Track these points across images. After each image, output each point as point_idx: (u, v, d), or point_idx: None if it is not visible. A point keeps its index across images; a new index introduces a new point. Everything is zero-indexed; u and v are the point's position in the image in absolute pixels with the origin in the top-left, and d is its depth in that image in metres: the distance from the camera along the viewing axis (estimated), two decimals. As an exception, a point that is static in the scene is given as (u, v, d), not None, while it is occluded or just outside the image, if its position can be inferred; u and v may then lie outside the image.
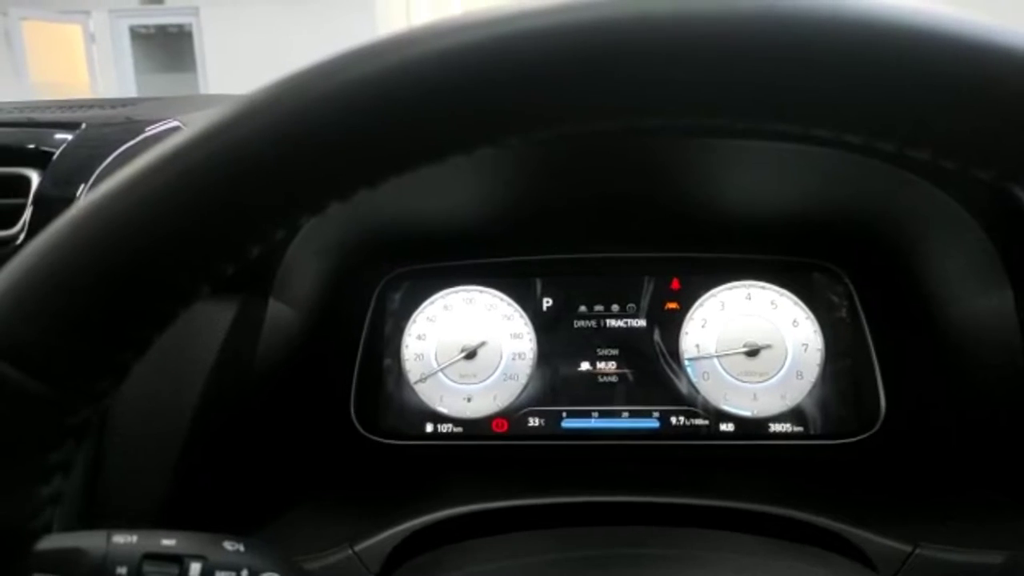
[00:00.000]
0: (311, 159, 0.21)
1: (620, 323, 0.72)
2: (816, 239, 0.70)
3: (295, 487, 0.64)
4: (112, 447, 0.52)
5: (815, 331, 0.70)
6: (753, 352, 0.70)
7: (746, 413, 0.70)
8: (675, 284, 0.72)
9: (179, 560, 0.27)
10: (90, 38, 6.79)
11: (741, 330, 0.70)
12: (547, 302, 0.73)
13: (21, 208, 0.55)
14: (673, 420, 0.70)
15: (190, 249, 0.22)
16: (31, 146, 0.59)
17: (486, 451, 0.70)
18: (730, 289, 0.71)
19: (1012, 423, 0.59)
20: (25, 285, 0.21)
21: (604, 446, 0.70)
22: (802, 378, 0.70)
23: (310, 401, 0.69)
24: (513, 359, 0.72)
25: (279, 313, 0.60)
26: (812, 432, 0.69)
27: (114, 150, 0.57)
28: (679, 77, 0.20)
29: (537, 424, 0.71)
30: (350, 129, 0.20)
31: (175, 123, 0.62)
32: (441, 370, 0.72)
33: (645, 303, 0.72)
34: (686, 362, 0.71)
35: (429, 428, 0.71)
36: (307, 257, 0.62)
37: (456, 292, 0.73)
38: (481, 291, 0.73)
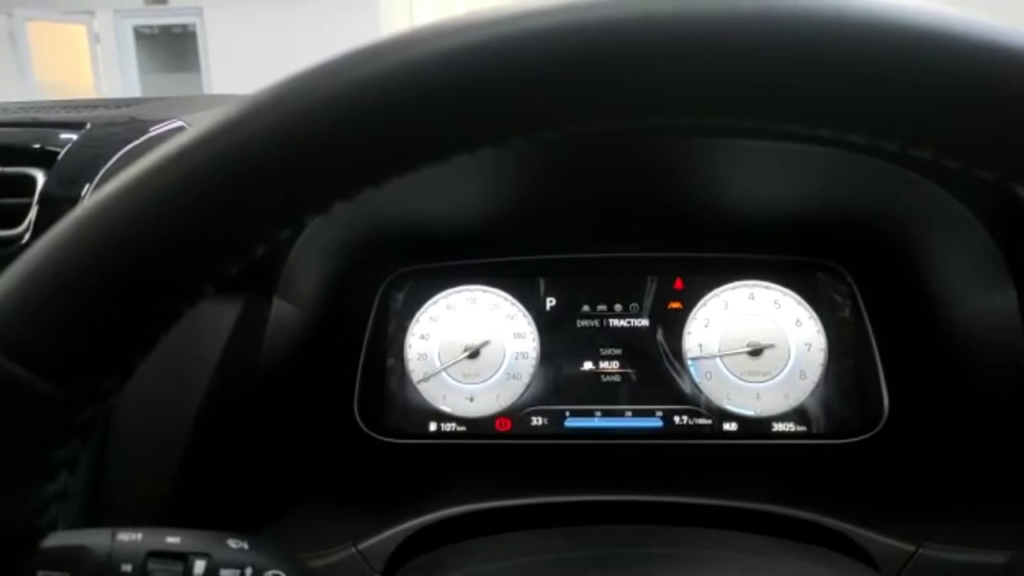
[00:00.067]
0: (315, 159, 0.21)
1: (623, 323, 0.72)
2: (819, 239, 0.70)
3: (299, 485, 0.64)
4: (117, 445, 0.52)
5: (818, 331, 0.70)
6: (756, 352, 0.70)
7: (749, 413, 0.70)
8: (678, 284, 0.72)
9: (183, 558, 0.28)
10: (94, 38, 6.81)
11: (744, 330, 0.70)
12: (550, 302, 0.73)
13: (27, 207, 0.56)
14: (676, 419, 0.70)
15: (194, 249, 0.22)
16: (36, 146, 0.59)
17: (489, 450, 0.70)
18: (733, 289, 0.71)
19: (1015, 423, 0.59)
20: (31, 285, 0.22)
21: (607, 445, 0.70)
22: (805, 378, 0.69)
23: (314, 400, 0.69)
24: (516, 358, 0.72)
25: (283, 312, 0.61)
26: (815, 432, 0.69)
27: (119, 150, 0.57)
28: (682, 77, 0.20)
29: (540, 423, 0.71)
30: (354, 129, 0.21)
31: (179, 123, 0.62)
32: (444, 369, 0.72)
33: (648, 303, 0.72)
34: (689, 362, 0.71)
35: (432, 427, 0.71)
36: (311, 256, 0.62)
37: (459, 292, 0.73)
38: (484, 291, 0.73)
